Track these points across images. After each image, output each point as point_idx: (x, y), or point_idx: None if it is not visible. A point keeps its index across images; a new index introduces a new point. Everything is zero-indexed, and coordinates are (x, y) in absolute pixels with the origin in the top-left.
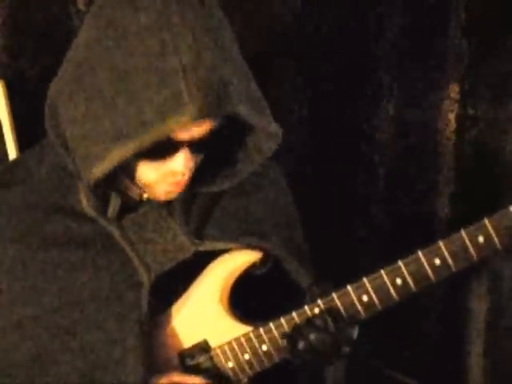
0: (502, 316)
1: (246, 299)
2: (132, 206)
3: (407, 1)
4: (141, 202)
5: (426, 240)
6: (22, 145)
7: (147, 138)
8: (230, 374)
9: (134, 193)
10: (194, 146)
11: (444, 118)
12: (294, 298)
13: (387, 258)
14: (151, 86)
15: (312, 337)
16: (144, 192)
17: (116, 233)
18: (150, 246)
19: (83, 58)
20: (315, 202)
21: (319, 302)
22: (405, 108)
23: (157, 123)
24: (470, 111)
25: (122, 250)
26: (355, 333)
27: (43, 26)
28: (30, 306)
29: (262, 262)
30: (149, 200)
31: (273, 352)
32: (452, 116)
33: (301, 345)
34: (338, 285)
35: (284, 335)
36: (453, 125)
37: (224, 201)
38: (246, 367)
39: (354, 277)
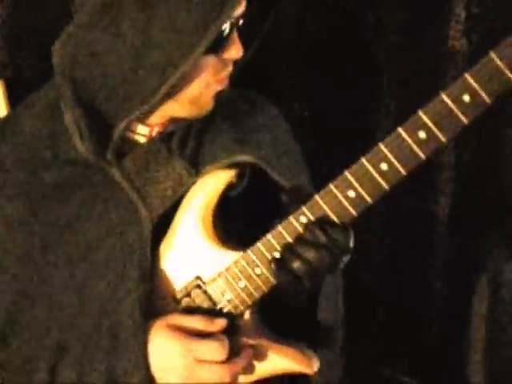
0: (502, 316)
1: (230, 223)
2: (130, 147)
3: (407, 0)
4: (139, 143)
5: (426, 240)
6: None
7: (216, 26)
8: (230, 306)
9: (139, 133)
10: (239, 26)
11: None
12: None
13: (387, 258)
14: None
15: (305, 253)
16: (153, 129)
17: (117, 174)
18: (152, 186)
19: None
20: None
21: (303, 208)
22: (405, 108)
23: (222, 3)
24: None
25: (122, 191)
26: (351, 240)
27: (43, 26)
28: (36, 262)
29: (239, 178)
30: (148, 139)
31: (267, 274)
32: None
33: (295, 264)
34: None
35: (274, 260)
36: None
37: (215, 128)
38: (244, 295)
39: (352, 276)
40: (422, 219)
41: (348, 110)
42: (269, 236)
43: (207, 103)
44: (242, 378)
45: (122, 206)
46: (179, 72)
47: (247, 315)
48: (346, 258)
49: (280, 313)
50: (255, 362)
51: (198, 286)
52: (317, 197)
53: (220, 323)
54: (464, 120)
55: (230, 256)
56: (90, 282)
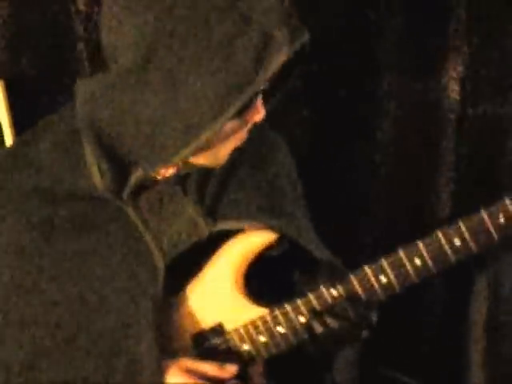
0: (502, 317)
1: (260, 280)
2: (146, 185)
3: (407, 1)
4: (155, 181)
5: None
6: None
7: (243, 97)
8: (246, 356)
9: (155, 172)
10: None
11: (444, 117)
12: (308, 280)
13: None
14: (237, 39)
15: (331, 324)
16: (167, 170)
17: (132, 213)
18: (165, 227)
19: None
20: (315, 202)
21: (336, 283)
22: (405, 108)
23: (251, 75)
24: (470, 111)
25: (136, 231)
26: (375, 317)
27: (43, 26)
28: (46, 294)
29: (279, 242)
30: (163, 178)
31: (289, 334)
32: (452, 116)
33: (319, 330)
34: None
35: (299, 322)
36: (453, 125)
37: (238, 177)
38: (262, 349)
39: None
40: (422, 219)
41: (348, 110)
42: (298, 301)
43: (224, 157)
44: None
45: (136, 245)
46: (202, 138)
47: (258, 366)
48: (366, 334)
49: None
50: None
51: (219, 332)
52: (351, 276)
53: (231, 370)
54: None
55: (256, 311)
56: (100, 317)
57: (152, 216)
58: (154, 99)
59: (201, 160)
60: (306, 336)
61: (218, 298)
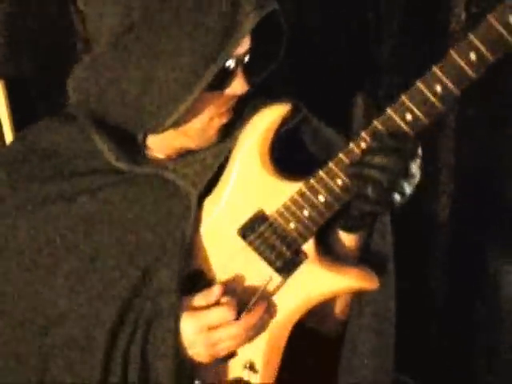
0: (503, 316)
1: (286, 158)
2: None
3: (407, 1)
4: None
5: (426, 240)
6: None
7: (216, 64)
8: (295, 234)
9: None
10: (245, 64)
11: (444, 117)
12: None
13: None
14: (202, 13)
15: (379, 162)
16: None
17: (150, 169)
18: (188, 166)
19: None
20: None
21: (362, 134)
22: None
23: (222, 42)
24: (470, 110)
25: (159, 187)
26: (418, 146)
27: (43, 26)
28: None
29: (293, 112)
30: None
31: (331, 200)
32: (452, 116)
33: (371, 172)
34: None
35: (350, 171)
36: (453, 125)
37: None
38: (309, 223)
39: None
40: (422, 219)
41: (348, 110)
42: (330, 164)
43: (212, 136)
44: (308, 300)
45: (164, 190)
46: (182, 108)
47: (311, 242)
48: (415, 166)
49: None
50: (324, 285)
51: (263, 219)
52: (375, 122)
53: (216, 290)
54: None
55: (291, 187)
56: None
57: (173, 164)
58: (135, 72)
59: (192, 142)
60: (347, 197)
61: (250, 185)
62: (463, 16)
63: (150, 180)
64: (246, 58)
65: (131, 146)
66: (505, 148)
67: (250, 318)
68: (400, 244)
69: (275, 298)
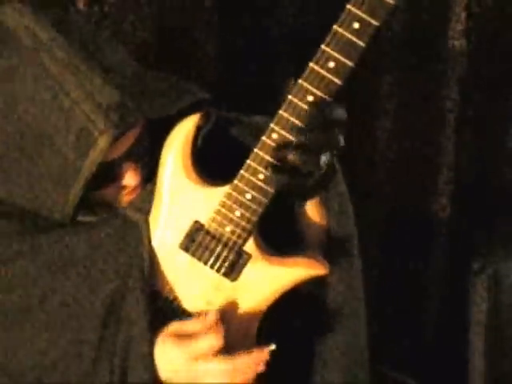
0: (502, 316)
1: (209, 162)
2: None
3: (407, 1)
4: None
5: (426, 240)
6: None
7: (81, 180)
8: (234, 237)
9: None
10: (133, 156)
11: (444, 117)
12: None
13: (387, 258)
14: (58, 133)
15: (293, 158)
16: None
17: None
18: (135, 198)
19: None
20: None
21: (271, 126)
22: (405, 108)
23: (80, 163)
24: (470, 111)
25: (113, 214)
26: (343, 111)
27: None
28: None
29: (205, 117)
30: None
31: (257, 195)
32: (452, 116)
33: (290, 157)
34: None
35: (269, 167)
36: (453, 125)
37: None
38: (243, 223)
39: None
40: (422, 219)
41: (348, 110)
42: (248, 162)
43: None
44: (263, 297)
45: (115, 223)
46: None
47: (251, 240)
48: (341, 132)
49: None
50: (273, 280)
51: (199, 229)
52: (280, 111)
53: (211, 317)
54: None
55: (219, 192)
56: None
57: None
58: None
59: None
60: (273, 189)
61: (181, 200)
62: (463, 16)
63: (104, 219)
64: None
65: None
66: (505, 148)
67: (241, 360)
68: (400, 244)
69: (231, 303)
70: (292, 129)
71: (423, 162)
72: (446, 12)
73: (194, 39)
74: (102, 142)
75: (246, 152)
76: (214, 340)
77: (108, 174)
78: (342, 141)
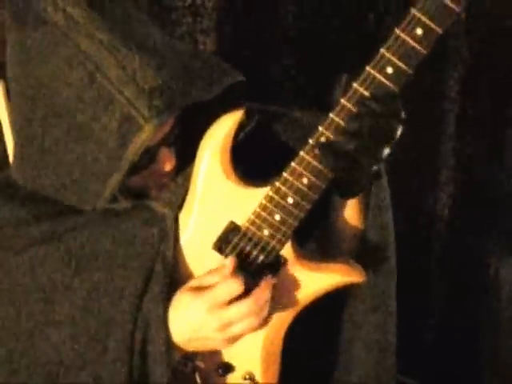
0: (502, 315)
1: (247, 165)
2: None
3: (407, 1)
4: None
5: (426, 240)
6: None
7: (123, 167)
8: (270, 240)
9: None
10: (168, 139)
11: (444, 117)
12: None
13: None
14: (97, 118)
15: (354, 129)
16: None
17: (124, 202)
18: (163, 191)
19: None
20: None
21: (320, 129)
22: (405, 108)
23: (122, 152)
24: (470, 111)
25: (136, 208)
26: (400, 105)
27: None
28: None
29: (247, 117)
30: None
31: (300, 200)
32: (452, 116)
33: (324, 181)
34: None
35: (322, 146)
36: (453, 125)
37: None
38: (282, 227)
39: None
40: (422, 219)
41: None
42: (293, 165)
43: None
44: (296, 302)
45: (141, 217)
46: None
47: (288, 244)
48: (399, 125)
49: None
50: (308, 286)
51: (235, 230)
52: (332, 115)
53: (229, 263)
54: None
55: (259, 193)
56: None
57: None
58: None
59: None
60: (316, 195)
61: (217, 199)
62: (463, 16)
63: (128, 211)
64: (172, 139)
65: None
66: (505, 148)
67: (260, 293)
68: (400, 244)
69: None
70: (342, 134)
71: (423, 161)
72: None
73: (195, 40)
74: (147, 129)
75: (285, 149)
76: (234, 285)
77: (145, 159)
78: (397, 133)
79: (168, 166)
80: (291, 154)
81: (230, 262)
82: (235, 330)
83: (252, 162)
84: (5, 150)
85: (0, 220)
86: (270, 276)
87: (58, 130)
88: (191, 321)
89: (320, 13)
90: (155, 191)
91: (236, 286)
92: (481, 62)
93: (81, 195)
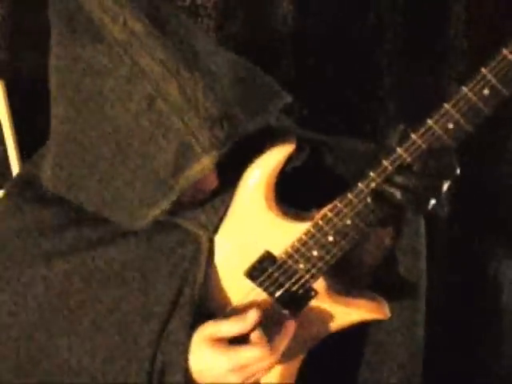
0: (503, 316)
1: (292, 196)
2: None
3: (407, 1)
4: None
5: (427, 240)
6: (22, 145)
7: (172, 197)
8: (305, 274)
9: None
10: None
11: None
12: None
13: (387, 259)
14: (153, 143)
15: (405, 183)
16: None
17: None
18: (198, 212)
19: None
20: (317, 203)
21: (371, 174)
22: (405, 108)
23: (175, 180)
24: None
25: (170, 225)
26: (455, 160)
27: (43, 26)
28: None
29: (298, 150)
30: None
31: (340, 240)
32: None
33: (395, 193)
34: None
35: (347, 223)
36: None
37: None
38: (319, 263)
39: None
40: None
41: (348, 110)
42: (337, 204)
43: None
44: (320, 333)
45: (173, 236)
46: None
47: (321, 278)
48: (448, 181)
49: None
50: (333, 319)
51: (271, 260)
52: (413, 136)
53: (251, 317)
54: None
55: (299, 227)
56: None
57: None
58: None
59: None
60: (357, 236)
61: (256, 227)
62: (463, 16)
63: (159, 227)
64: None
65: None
66: (505, 148)
67: (280, 343)
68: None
69: None
70: (393, 184)
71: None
72: (446, 12)
73: None
74: (206, 161)
75: (334, 181)
76: (262, 353)
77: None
78: (457, 168)
79: (212, 185)
80: (340, 187)
81: (253, 314)
82: (252, 379)
83: (298, 191)
84: (5, 150)
85: (24, 224)
86: (292, 320)
87: (107, 147)
88: (212, 374)
89: (320, 13)
90: (188, 205)
91: (265, 354)
92: (481, 62)
93: (121, 215)
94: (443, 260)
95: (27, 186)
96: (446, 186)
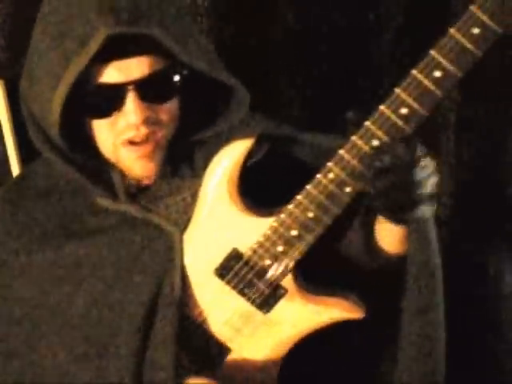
0: (503, 316)
1: (259, 188)
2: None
3: (407, 1)
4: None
5: None
6: (21, 145)
7: (73, 70)
8: (272, 271)
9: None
10: (142, 91)
11: (444, 117)
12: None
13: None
14: (65, 19)
15: (386, 158)
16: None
17: (132, 209)
18: (171, 209)
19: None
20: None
21: (329, 164)
22: None
23: (77, 52)
24: (470, 111)
25: (144, 222)
26: (415, 147)
27: None
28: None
29: (258, 145)
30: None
31: (303, 233)
32: (452, 116)
33: (330, 218)
34: None
35: (310, 216)
36: (453, 125)
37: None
38: (284, 258)
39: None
40: None
41: (348, 110)
42: (299, 198)
43: (142, 168)
44: (293, 333)
45: (146, 235)
46: (59, 98)
47: (289, 275)
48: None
49: None
50: (305, 318)
51: (237, 257)
52: (341, 152)
53: None
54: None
55: (264, 222)
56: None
57: (155, 205)
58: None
59: (132, 172)
60: (320, 229)
61: (222, 225)
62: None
63: (135, 223)
64: (143, 87)
65: (104, 178)
66: (505, 148)
67: None
68: None
69: (260, 333)
70: (351, 173)
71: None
72: (446, 11)
73: None
74: (102, 32)
75: (296, 175)
76: None
77: (111, 98)
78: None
79: (133, 117)
80: (302, 180)
81: None
82: None
83: (262, 187)
84: (5, 150)
85: (14, 217)
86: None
87: None
88: None
89: (320, 13)
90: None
91: None
92: (481, 62)
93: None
94: (443, 260)
95: (21, 181)
96: (431, 182)
